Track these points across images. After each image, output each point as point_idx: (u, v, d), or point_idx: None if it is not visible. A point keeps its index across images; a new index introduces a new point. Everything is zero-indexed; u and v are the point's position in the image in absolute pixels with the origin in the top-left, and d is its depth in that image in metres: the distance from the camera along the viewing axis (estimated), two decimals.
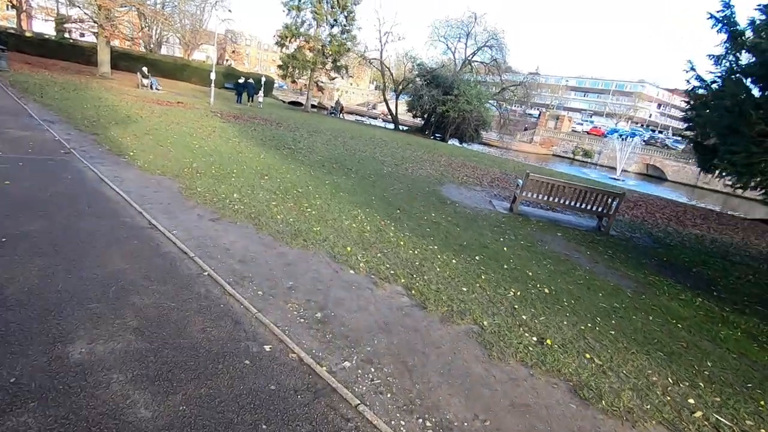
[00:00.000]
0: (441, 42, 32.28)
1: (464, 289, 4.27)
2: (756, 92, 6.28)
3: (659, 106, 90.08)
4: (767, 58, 5.81)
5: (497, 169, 17.15)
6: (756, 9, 6.30)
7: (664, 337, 4.14)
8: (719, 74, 6.94)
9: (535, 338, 3.64)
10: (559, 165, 37.83)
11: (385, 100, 33.91)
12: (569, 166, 39.88)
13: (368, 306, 3.71)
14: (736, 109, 5.80)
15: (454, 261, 4.87)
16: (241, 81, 25.82)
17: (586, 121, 61.23)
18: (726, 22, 6.57)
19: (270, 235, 4.69)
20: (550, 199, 8.74)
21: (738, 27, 6.53)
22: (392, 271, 4.27)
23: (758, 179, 6.00)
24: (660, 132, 66.64)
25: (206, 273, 3.77)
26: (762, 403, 3.30)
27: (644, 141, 46.55)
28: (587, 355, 3.52)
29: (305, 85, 34.32)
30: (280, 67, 30.11)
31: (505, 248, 6.04)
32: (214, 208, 5.26)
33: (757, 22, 6.25)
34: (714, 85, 7.10)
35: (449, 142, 30.63)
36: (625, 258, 7.02)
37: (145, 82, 21.49)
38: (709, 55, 7.05)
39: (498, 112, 32.37)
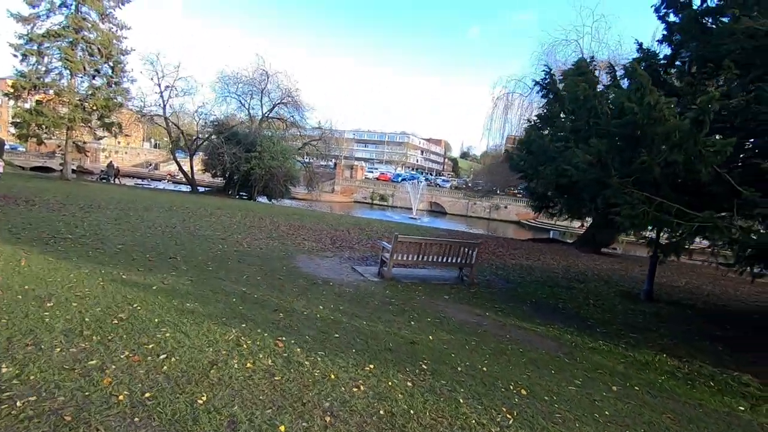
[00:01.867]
0: (233, 98, 30.64)
1: None
2: None
3: (422, 152, 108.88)
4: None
5: (325, 226, 16.46)
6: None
7: (646, 413, 3.88)
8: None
9: None
10: (365, 211, 40.29)
11: (176, 160, 29.63)
12: (371, 211, 43.03)
13: None
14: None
15: (424, 396, 3.23)
16: None
17: (373, 168, 68.35)
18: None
19: None
20: (418, 258, 8.39)
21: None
22: None
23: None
24: (431, 174, 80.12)
25: None
26: None
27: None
28: None
29: (58, 146, 26.95)
30: (16, 125, 22.72)
31: (430, 337, 5.08)
32: None
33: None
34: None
35: (258, 200, 28.70)
36: (509, 310, 7.08)
37: None
38: None
39: (303, 166, 32.36)
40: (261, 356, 3.73)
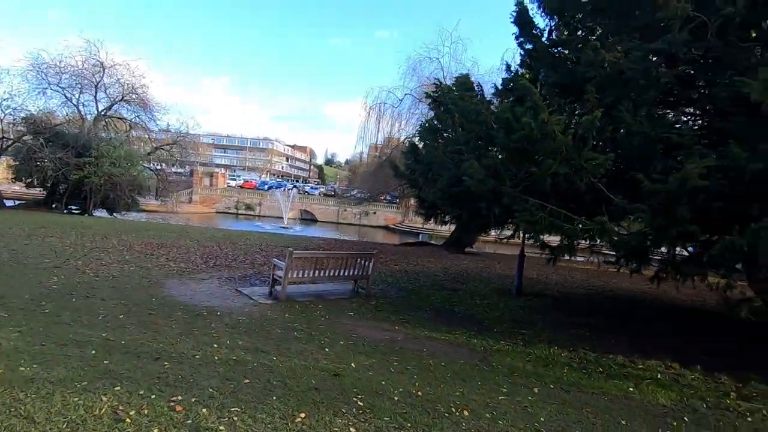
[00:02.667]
0: (55, 91, 25.01)
1: None
2: None
3: (287, 159, 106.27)
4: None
5: (190, 241, 14.46)
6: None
7: (571, 412, 4.08)
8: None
9: None
10: (230, 222, 37.22)
11: None
12: (238, 222, 40.02)
13: None
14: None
15: None
16: None
17: (236, 176, 63.89)
18: None
19: None
20: (315, 273, 7.82)
21: None
22: None
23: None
24: (297, 181, 78.48)
25: None
26: None
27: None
28: None
29: None
30: None
31: (352, 364, 4.57)
32: None
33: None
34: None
35: (95, 214, 23.97)
36: (414, 320, 7.05)
37: None
38: None
39: (155, 174, 28.22)
40: None
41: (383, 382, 4.14)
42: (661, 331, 7.62)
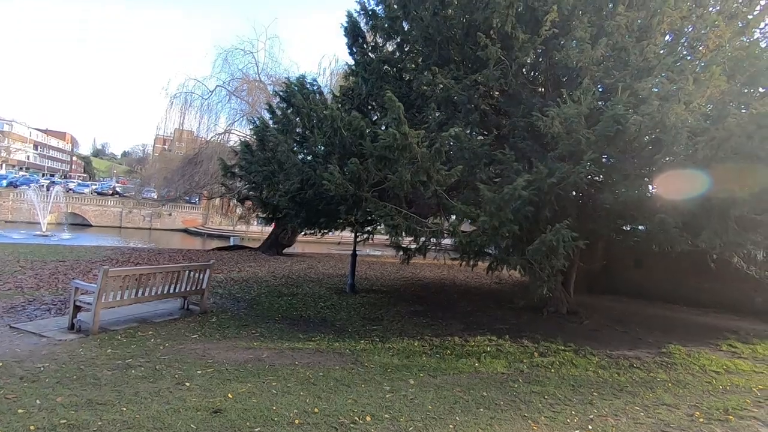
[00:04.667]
0: None
1: None
2: None
3: (36, 147, 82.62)
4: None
5: None
6: None
7: (459, 401, 4.53)
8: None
9: None
10: None
11: None
12: None
13: None
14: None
15: None
16: None
17: None
18: None
19: None
20: (136, 294, 6.41)
21: None
22: None
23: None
24: (53, 175, 61.70)
25: None
26: None
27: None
28: None
29: None
30: None
31: (229, 395, 3.90)
32: None
33: None
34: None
35: None
36: (268, 333, 6.61)
37: None
38: None
39: None
40: None
41: (273, 408, 3.78)
42: (466, 309, 9.29)
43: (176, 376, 4.46)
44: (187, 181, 18.19)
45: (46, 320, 6.38)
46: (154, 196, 26.09)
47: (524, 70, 7.10)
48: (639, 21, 6.78)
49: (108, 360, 4.81)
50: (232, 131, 18.13)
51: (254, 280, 11.49)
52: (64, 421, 3.30)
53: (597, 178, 6.89)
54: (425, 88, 7.05)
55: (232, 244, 25.42)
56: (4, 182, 41.70)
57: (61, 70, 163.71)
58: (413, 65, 8.80)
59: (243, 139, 13.07)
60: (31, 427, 3.17)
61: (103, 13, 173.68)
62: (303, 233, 9.81)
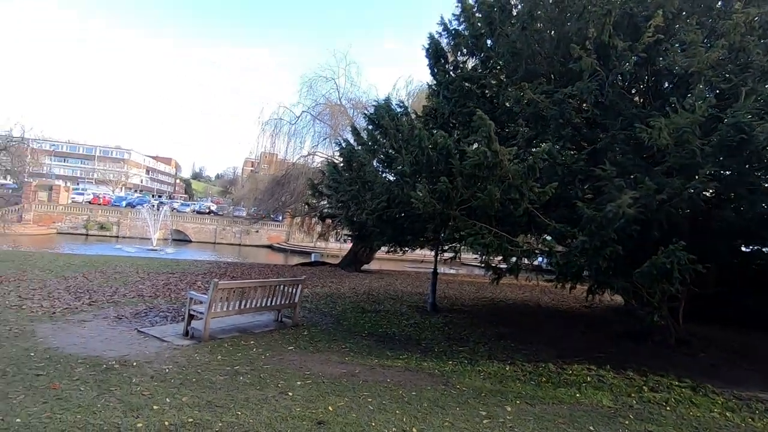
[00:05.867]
0: None
1: None
2: None
3: (148, 171, 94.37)
4: None
5: (43, 273, 11.71)
6: None
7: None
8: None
9: None
10: (79, 246, 31.20)
11: None
12: (90, 245, 33.78)
13: None
14: None
15: None
16: None
17: (83, 190, 54.00)
18: None
19: None
20: (240, 305, 6.97)
21: None
22: None
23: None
24: (161, 196, 69.90)
25: None
26: None
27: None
28: None
29: None
30: None
31: (329, 407, 4.09)
32: None
33: None
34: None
35: None
36: (357, 348, 6.77)
37: None
38: None
39: None
40: None
41: (372, 424, 3.85)
42: (556, 333, 8.71)
43: (279, 385, 4.74)
44: (275, 201, 19.52)
45: (164, 326, 7.16)
46: (244, 214, 28.36)
47: (621, 79, 6.66)
48: (757, 18, 6.09)
49: (219, 366, 5.25)
50: (316, 153, 19.20)
51: (337, 296, 11.88)
52: (191, 420, 3.65)
53: (711, 193, 6.20)
54: (508, 104, 6.91)
55: (313, 260, 26.66)
56: (124, 203, 48.08)
57: (170, 103, 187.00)
58: (496, 81, 8.70)
59: (328, 160, 13.73)
60: (165, 423, 3.56)
61: (207, 55, 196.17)
62: (387, 251, 9.96)
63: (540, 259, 6.23)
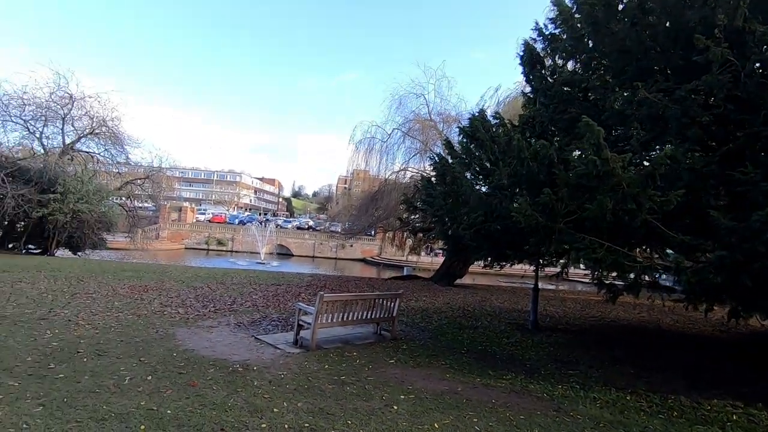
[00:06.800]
0: (17, 123, 23.47)
1: None
2: None
3: (255, 192, 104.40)
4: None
5: (175, 283, 13.47)
6: None
7: None
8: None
9: None
10: (201, 259, 35.52)
11: None
12: (209, 258, 38.26)
13: None
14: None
15: None
16: None
17: (203, 210, 61.67)
18: None
19: None
20: (343, 317, 7.31)
21: None
22: None
23: None
24: (266, 214, 76.76)
25: None
26: None
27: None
28: None
29: None
30: None
31: (435, 425, 4.11)
32: None
33: None
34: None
35: (57, 254, 22.17)
36: (458, 365, 6.65)
37: None
38: None
39: (125, 210, 26.66)
40: None
41: None
42: (684, 361, 7.59)
43: (384, 398, 4.84)
44: (368, 217, 20.21)
45: (276, 335, 7.78)
46: (339, 229, 29.83)
47: (761, 68, 5.74)
48: None
49: (327, 375, 5.54)
50: (407, 169, 19.55)
51: (432, 311, 11.82)
52: (307, 425, 3.90)
53: None
54: (617, 106, 6.36)
55: (405, 273, 26.89)
56: (236, 221, 53.73)
57: (271, 128, 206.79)
58: (600, 83, 8.09)
59: (422, 175, 13.89)
60: (285, 426, 3.85)
61: (302, 84, 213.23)
62: (484, 265, 9.70)
63: (661, 274, 5.54)
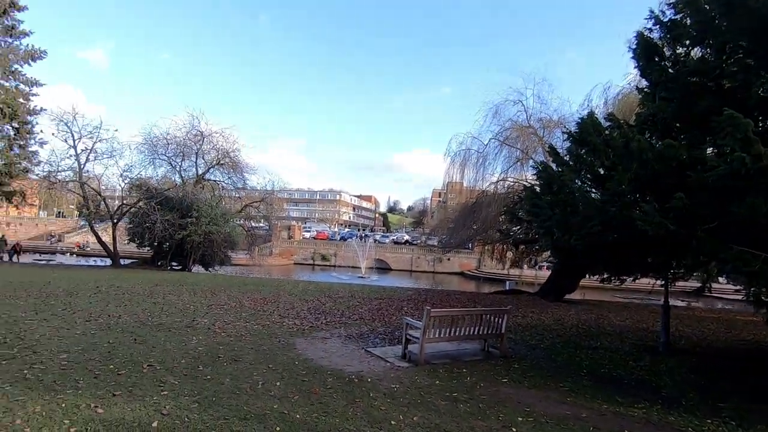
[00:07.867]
0: (163, 160, 28.01)
1: None
2: None
3: (354, 209, 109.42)
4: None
5: (289, 296, 14.58)
6: None
7: None
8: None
9: None
10: (307, 273, 38.12)
11: (94, 231, 25.72)
12: (315, 273, 40.89)
13: None
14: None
15: None
16: None
17: (308, 228, 66.36)
18: None
19: None
20: (450, 333, 7.26)
21: None
22: None
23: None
24: (364, 229, 79.90)
25: None
26: None
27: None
28: None
29: None
30: None
31: None
32: None
33: None
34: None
35: (193, 269, 25.64)
36: (578, 388, 6.14)
37: None
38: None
39: (244, 230, 29.99)
40: None
41: None
42: None
43: (500, 418, 4.67)
44: (466, 230, 19.87)
45: (384, 348, 7.99)
46: (435, 243, 29.77)
47: None
48: None
49: (438, 390, 5.53)
50: (506, 179, 18.87)
51: (542, 328, 11.12)
52: None
53: None
54: (761, 93, 5.44)
55: (508, 288, 25.77)
56: (338, 237, 56.79)
57: (364, 147, 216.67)
58: (738, 68, 7.00)
59: (523, 185, 13.31)
60: None
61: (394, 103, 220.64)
62: (601, 280, 8.89)
63: None
